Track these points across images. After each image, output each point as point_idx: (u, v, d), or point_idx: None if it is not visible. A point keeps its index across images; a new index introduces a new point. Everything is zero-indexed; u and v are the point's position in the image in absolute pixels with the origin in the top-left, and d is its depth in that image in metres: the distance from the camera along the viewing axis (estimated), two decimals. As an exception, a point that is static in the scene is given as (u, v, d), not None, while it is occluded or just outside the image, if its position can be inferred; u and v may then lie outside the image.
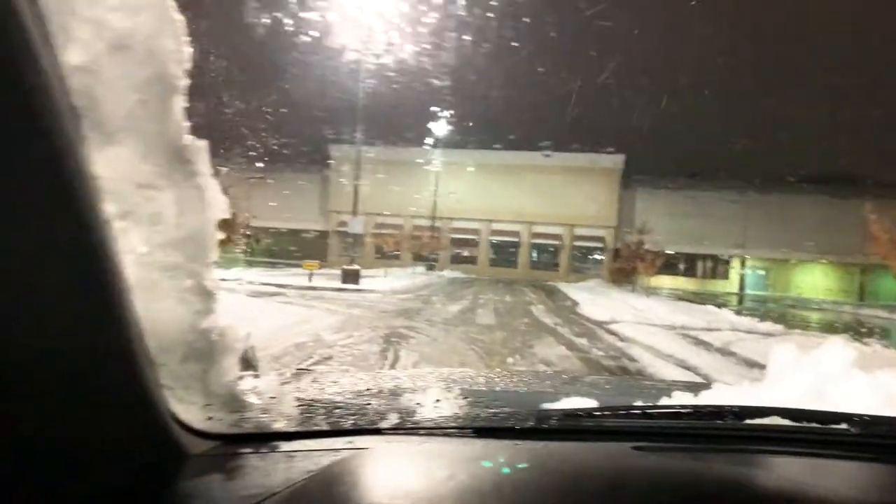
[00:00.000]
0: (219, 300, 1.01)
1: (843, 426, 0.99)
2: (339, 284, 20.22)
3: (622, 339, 11.69)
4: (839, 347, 1.11)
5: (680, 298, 26.01)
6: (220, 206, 1.07)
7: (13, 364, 0.70)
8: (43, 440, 0.74)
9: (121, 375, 0.81)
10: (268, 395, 1.08)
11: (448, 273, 36.44)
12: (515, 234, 44.26)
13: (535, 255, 44.92)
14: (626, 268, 29.85)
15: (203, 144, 1.08)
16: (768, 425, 1.00)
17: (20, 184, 0.67)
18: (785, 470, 0.91)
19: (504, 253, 45.40)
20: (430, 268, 36.19)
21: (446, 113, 37.90)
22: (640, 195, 43.21)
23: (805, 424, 1.00)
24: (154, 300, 0.96)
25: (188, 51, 1.04)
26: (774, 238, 38.37)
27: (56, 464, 0.75)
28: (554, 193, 42.77)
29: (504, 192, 43.60)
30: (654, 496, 0.72)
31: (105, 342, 0.80)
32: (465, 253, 45.93)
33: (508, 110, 44.18)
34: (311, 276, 20.71)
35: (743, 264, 42.62)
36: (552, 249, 44.86)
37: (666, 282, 38.48)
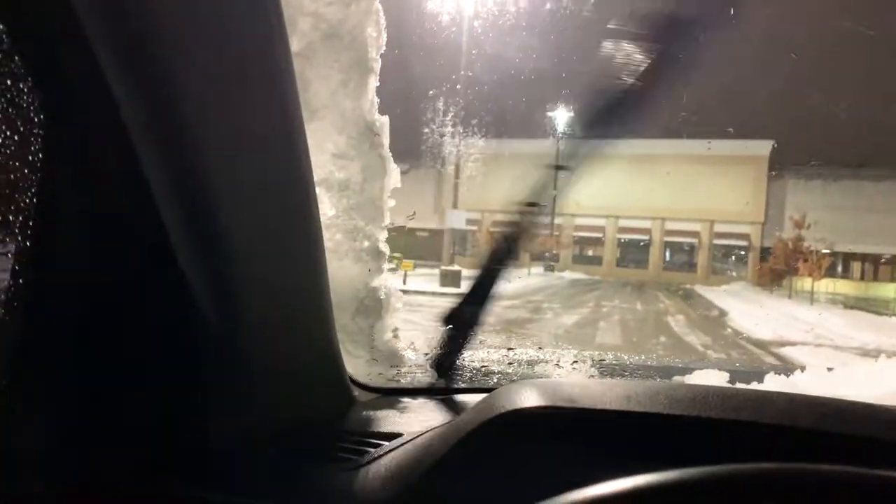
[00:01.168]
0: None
1: None
2: (437, 287, 18.96)
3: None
4: None
5: (847, 306, 22.94)
6: (396, 175, 1.24)
7: (225, 316, 0.82)
8: (236, 380, 0.86)
9: (312, 328, 0.97)
10: (422, 353, 1.23)
11: (569, 274, 34.83)
12: (646, 231, 41.78)
13: (668, 254, 42.17)
14: (780, 269, 26.96)
15: (386, 119, 1.24)
16: None
17: (255, 153, 0.83)
18: None
19: (633, 252, 43.04)
20: (550, 268, 34.56)
21: (570, 102, 36.06)
22: (791, 187, 39.48)
23: None
24: (335, 259, 1.08)
25: (385, 37, 1.20)
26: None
27: (240, 405, 0.87)
28: (690, 186, 39.97)
29: (633, 185, 41.16)
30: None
31: (302, 298, 0.95)
32: (590, 252, 43.88)
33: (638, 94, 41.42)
34: (405, 277, 19.20)
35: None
36: (688, 248, 42.05)
37: (822, 286, 34.68)
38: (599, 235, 43.03)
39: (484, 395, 0.99)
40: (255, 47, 0.84)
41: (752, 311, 17.95)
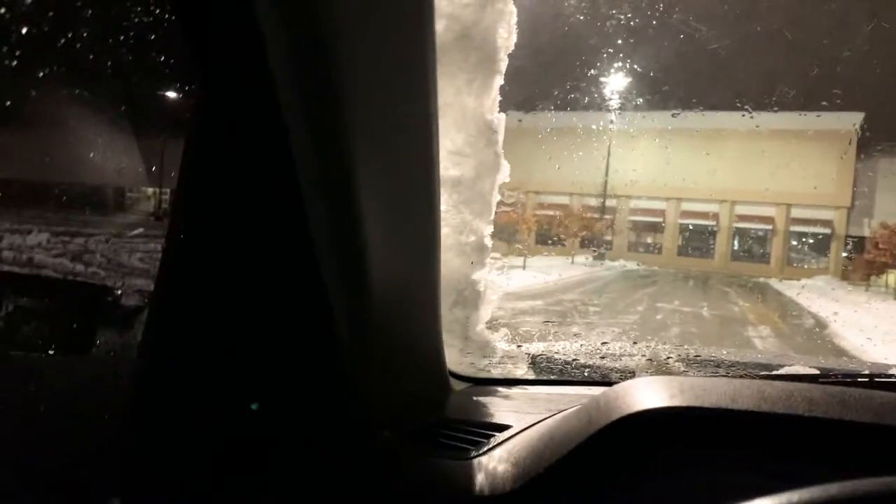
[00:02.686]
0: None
1: None
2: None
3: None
4: None
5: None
6: (505, 172, 1.33)
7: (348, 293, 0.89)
8: (360, 367, 0.93)
9: (423, 319, 1.05)
10: (514, 345, 1.32)
11: (621, 264, 31.30)
12: (712, 216, 38.08)
13: (737, 242, 38.25)
14: (881, 262, 23.06)
15: (503, 117, 1.31)
16: None
17: (393, 152, 0.91)
18: None
19: (697, 239, 39.37)
20: (600, 257, 31.18)
21: (628, 68, 32.51)
22: (883, 167, 34.99)
23: None
24: (441, 252, 1.09)
25: (515, 37, 1.26)
26: None
27: (362, 391, 0.94)
28: (764, 165, 35.96)
29: (698, 164, 37.23)
30: None
31: (418, 290, 1.02)
32: (648, 239, 40.38)
33: (706, 63, 37.60)
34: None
35: None
36: (761, 235, 38.21)
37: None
38: (659, 220, 39.40)
39: (579, 388, 1.17)
40: (406, 48, 0.90)
41: (855, 319, 14.32)
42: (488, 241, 1.28)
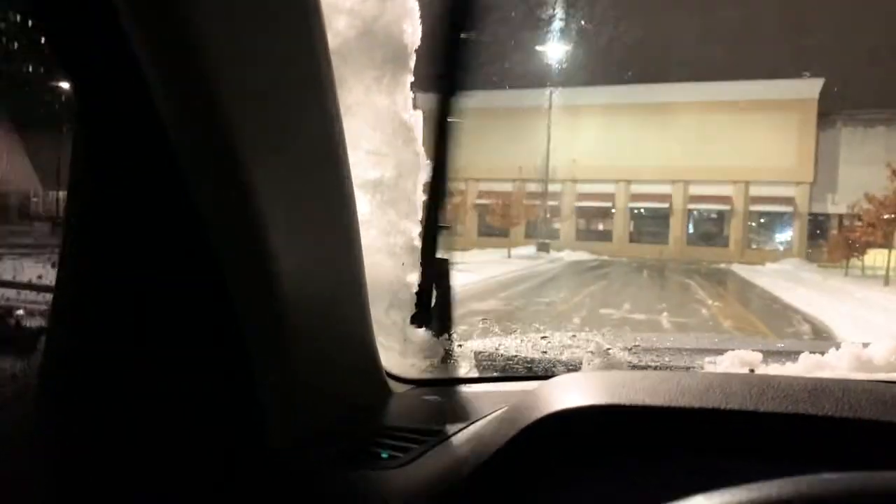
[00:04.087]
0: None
1: None
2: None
3: None
4: None
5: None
6: (427, 171, 1.32)
7: (269, 312, 0.88)
8: (281, 378, 0.92)
9: (350, 323, 1.05)
10: (454, 345, 1.30)
11: (568, 254, 28.24)
12: (665, 197, 35.31)
13: (692, 225, 35.57)
14: (862, 241, 20.27)
15: (419, 114, 1.31)
16: None
17: (295, 151, 0.90)
18: None
19: (649, 224, 36.69)
20: (544, 247, 28.01)
21: (567, 37, 29.42)
22: (845, 137, 32.55)
23: None
24: (369, 255, 1.10)
25: (419, 30, 1.27)
26: None
27: (285, 403, 0.92)
28: (720, 139, 33.25)
29: (648, 141, 34.30)
30: None
31: (341, 293, 1.02)
32: (597, 226, 37.40)
33: (652, 29, 34.88)
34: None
35: None
36: (717, 217, 35.62)
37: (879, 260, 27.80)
38: (608, 205, 36.56)
39: (522, 384, 1.15)
40: (294, 46, 0.88)
41: (850, 313, 11.23)
42: (417, 242, 1.28)
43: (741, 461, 0.73)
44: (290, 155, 0.89)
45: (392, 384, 1.17)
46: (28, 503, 0.89)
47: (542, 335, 1.54)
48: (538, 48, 29.61)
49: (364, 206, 1.18)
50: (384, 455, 0.94)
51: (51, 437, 0.91)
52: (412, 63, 1.26)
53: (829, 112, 32.85)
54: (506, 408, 0.94)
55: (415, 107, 1.30)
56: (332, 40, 1.00)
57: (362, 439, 0.98)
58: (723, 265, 27.58)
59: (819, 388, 0.83)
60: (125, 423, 0.88)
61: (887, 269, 18.50)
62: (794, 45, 33.75)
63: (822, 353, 1.34)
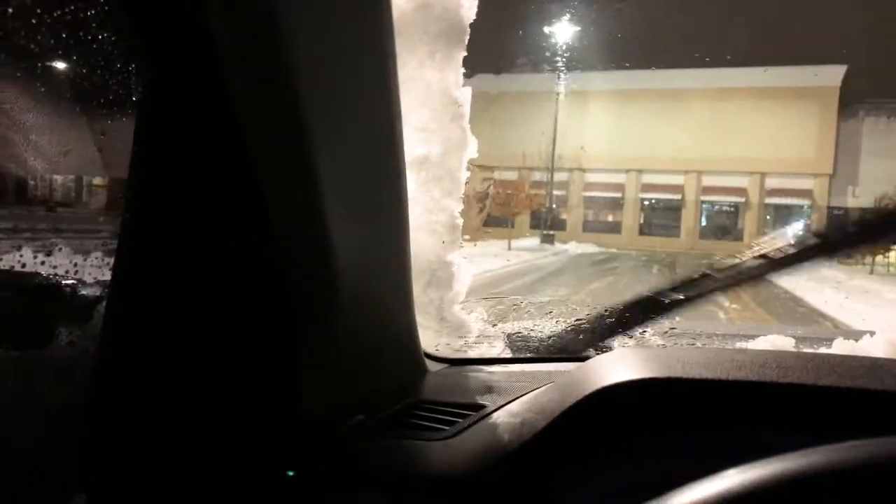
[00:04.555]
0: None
1: None
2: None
3: None
4: None
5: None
6: (473, 148, 1.30)
7: (311, 288, 0.89)
8: (327, 349, 0.93)
9: (394, 300, 1.04)
10: (488, 325, 1.32)
11: (574, 247, 26.86)
12: (677, 188, 33.87)
13: (705, 218, 34.18)
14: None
15: (468, 91, 1.28)
16: None
17: (354, 130, 0.90)
18: None
19: (660, 216, 35.30)
20: (548, 239, 26.62)
21: (578, 21, 28.00)
22: (868, 128, 30.98)
23: None
24: (412, 232, 1.09)
25: (476, 6, 1.24)
26: None
27: (329, 374, 0.94)
28: (735, 129, 31.71)
29: (660, 129, 32.82)
30: None
31: (387, 270, 1.01)
32: (605, 217, 35.95)
33: (667, 13, 33.31)
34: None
35: None
36: (731, 210, 34.20)
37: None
38: (618, 195, 35.12)
39: (558, 365, 1.12)
40: (358, 23, 0.89)
41: (885, 319, 10.10)
42: (459, 220, 1.26)
43: (799, 435, 0.68)
44: (350, 130, 0.88)
45: (428, 363, 1.15)
46: (86, 475, 0.90)
47: (577, 318, 1.47)
48: (545, 29, 28.23)
49: (410, 182, 1.12)
50: (427, 427, 0.92)
51: (112, 394, 0.91)
52: (466, 38, 1.23)
53: (851, 101, 31.28)
54: (549, 385, 0.93)
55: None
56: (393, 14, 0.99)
57: (401, 412, 0.98)
58: (736, 260, 26.08)
59: (875, 365, 0.84)
60: (178, 387, 0.88)
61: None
62: (816, 31, 32.24)
63: (857, 340, 1.37)
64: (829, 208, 32.17)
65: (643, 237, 34.99)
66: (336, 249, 0.87)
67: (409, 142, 1.12)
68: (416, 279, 1.12)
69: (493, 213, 27.14)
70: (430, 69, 1.17)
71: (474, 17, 1.23)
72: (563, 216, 35.72)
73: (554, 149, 29.52)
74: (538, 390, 0.95)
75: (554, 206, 30.59)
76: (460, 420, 0.94)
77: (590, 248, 28.38)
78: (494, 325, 1.37)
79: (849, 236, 1.68)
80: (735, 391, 0.77)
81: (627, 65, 32.74)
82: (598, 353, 1.17)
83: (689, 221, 34.73)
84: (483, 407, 0.97)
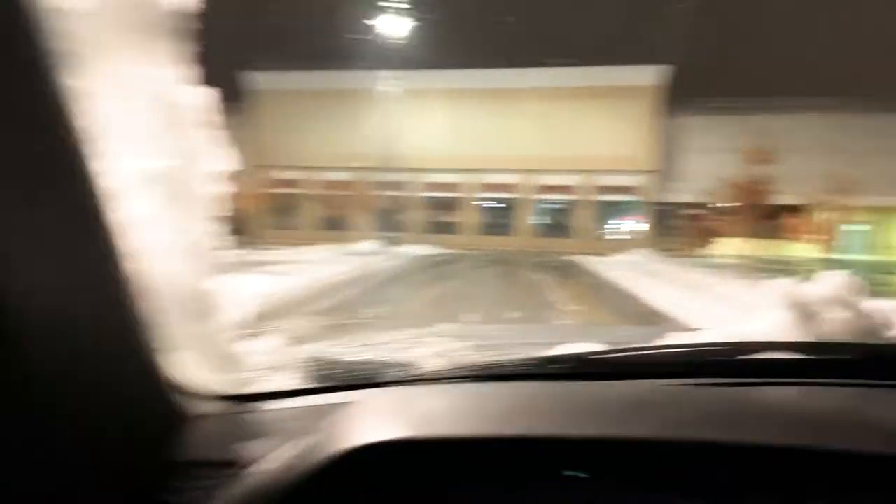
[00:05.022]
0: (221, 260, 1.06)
1: (849, 355, 1.14)
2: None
3: None
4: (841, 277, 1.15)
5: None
6: (226, 159, 1.15)
7: (13, 330, 0.74)
8: (39, 413, 0.78)
9: (118, 339, 0.88)
10: (269, 355, 1.18)
11: (414, 249, 25.60)
12: (513, 187, 33.92)
13: (539, 216, 34.14)
14: (722, 229, 19.35)
15: (210, 93, 1.15)
16: (781, 359, 1.08)
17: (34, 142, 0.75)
18: (807, 400, 0.99)
19: (498, 215, 35.18)
20: (387, 241, 25.36)
21: (409, 19, 27.04)
22: (690, 126, 32.46)
23: (814, 357, 1.13)
24: (156, 260, 1.00)
25: None
26: (890, 177, 28.06)
27: (55, 435, 0.79)
28: (565, 127, 32.10)
29: (494, 129, 32.61)
30: (709, 428, 0.78)
31: (101, 306, 0.86)
32: (445, 217, 35.21)
33: (495, 13, 33.23)
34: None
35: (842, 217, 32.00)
36: (564, 207, 34.30)
37: (727, 247, 27.51)
38: (456, 195, 34.39)
39: (350, 394, 1.03)
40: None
41: (722, 313, 9.80)
42: (212, 241, 1.11)
43: (544, 487, 0.70)
44: (11, 143, 0.73)
45: (195, 403, 1.02)
46: None
47: (373, 340, 1.41)
48: (377, 24, 27.02)
49: (144, 201, 1.03)
50: (177, 487, 0.85)
51: None
52: (194, 29, 1.11)
53: (675, 99, 32.69)
54: (311, 436, 0.87)
55: (209, 85, 1.15)
56: (86, 3, 0.90)
57: (144, 480, 0.87)
58: (572, 257, 26.24)
59: (636, 401, 0.82)
60: None
61: (750, 263, 17.54)
62: (642, 31, 33.35)
63: (688, 335, 1.44)
64: (657, 203, 33.42)
65: (482, 236, 34.78)
66: (22, 289, 0.71)
67: (136, 155, 1.01)
68: (169, 312, 0.98)
69: (331, 216, 25.49)
70: (147, 69, 1.03)
71: (192, 8, 1.10)
72: (404, 217, 34.75)
73: (392, 149, 28.34)
74: (300, 441, 0.86)
75: (393, 207, 29.42)
76: (213, 481, 0.84)
77: (430, 250, 27.52)
78: (285, 352, 1.20)
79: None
80: (474, 447, 0.74)
81: (463, 64, 32.34)
82: (396, 379, 1.06)
83: (524, 220, 34.94)
84: (235, 463, 0.86)
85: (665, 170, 32.98)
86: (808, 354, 1.12)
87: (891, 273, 23.87)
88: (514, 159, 33.42)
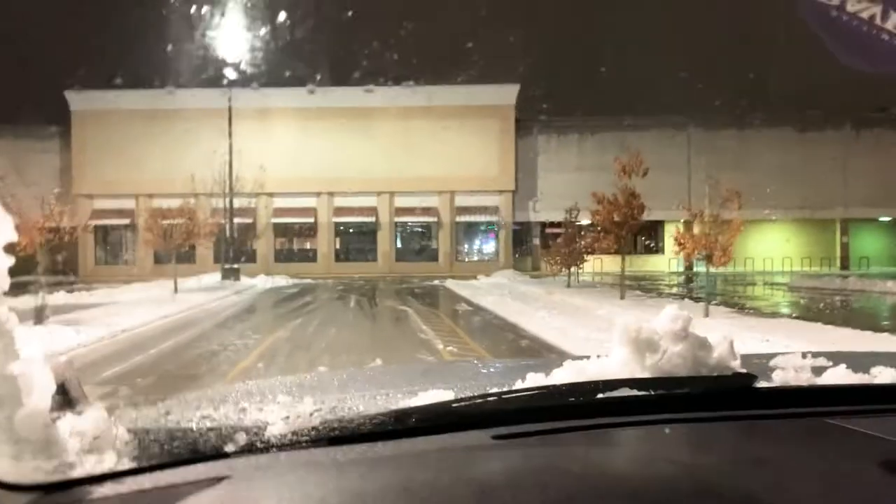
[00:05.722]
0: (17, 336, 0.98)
1: (687, 389, 1.17)
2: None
3: None
4: (675, 311, 1.22)
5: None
6: (5, 229, 0.99)
7: None
8: None
9: None
10: (91, 434, 1.05)
11: (263, 281, 23.50)
12: (370, 211, 32.20)
13: (400, 240, 32.85)
14: (589, 247, 18.60)
15: None
16: (621, 397, 1.12)
17: None
18: (644, 440, 1.05)
19: (356, 240, 33.45)
20: (231, 274, 22.86)
21: (252, 40, 24.93)
22: (542, 144, 32.31)
23: (652, 393, 1.14)
24: None
25: None
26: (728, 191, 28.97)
27: None
28: (422, 147, 31.17)
29: (349, 150, 30.97)
30: (512, 488, 0.77)
31: None
32: (299, 245, 33.04)
33: (346, 29, 31.71)
34: None
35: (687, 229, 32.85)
36: (425, 230, 33.33)
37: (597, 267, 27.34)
38: (310, 220, 32.35)
39: (189, 467, 0.96)
40: None
41: (599, 336, 8.58)
42: (5, 320, 0.98)
43: None
44: None
45: (6, 497, 0.95)
46: None
47: (203, 400, 1.28)
48: (213, 41, 24.57)
49: None
50: None
51: None
52: None
53: (525, 119, 32.39)
54: None
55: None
56: None
57: None
58: (436, 281, 24.92)
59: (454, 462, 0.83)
60: None
61: (622, 281, 16.74)
62: (492, 50, 32.95)
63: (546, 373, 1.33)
64: (515, 223, 32.92)
65: (340, 263, 32.78)
66: None
67: None
68: None
69: (154, 248, 22.46)
70: None
71: None
72: (252, 246, 32.07)
73: (231, 171, 25.72)
74: None
75: (236, 235, 26.72)
76: None
77: (282, 282, 25.18)
78: (112, 428, 1.04)
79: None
80: None
81: (309, 81, 30.43)
82: (245, 447, 1.00)
83: (384, 244, 33.25)
84: None
85: (520, 189, 32.55)
86: (644, 390, 1.13)
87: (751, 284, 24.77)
88: (373, 181, 31.74)
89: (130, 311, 13.23)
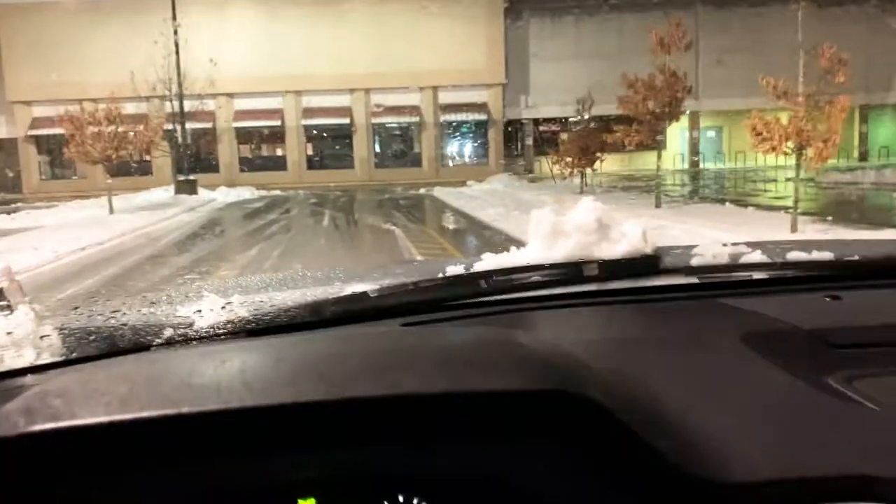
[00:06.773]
0: None
1: (595, 271, 1.18)
2: None
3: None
4: (590, 203, 1.25)
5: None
6: None
7: None
8: None
9: None
10: (16, 333, 1.08)
11: (224, 194, 20.43)
12: (345, 111, 28.79)
13: (378, 143, 29.53)
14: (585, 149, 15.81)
15: None
16: (529, 280, 1.17)
17: None
18: (551, 320, 1.09)
19: (329, 144, 30.26)
20: (186, 187, 19.77)
21: None
22: (534, 30, 28.66)
23: (558, 273, 1.17)
24: None
25: None
26: (731, 80, 26.10)
27: None
28: (400, 38, 27.28)
29: (317, 42, 27.17)
30: (417, 371, 0.78)
31: None
32: (267, 151, 29.76)
33: None
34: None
35: (695, 124, 29.95)
36: (406, 131, 29.84)
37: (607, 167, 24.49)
38: (276, 123, 28.85)
39: (113, 359, 0.97)
40: None
41: None
42: None
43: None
44: None
45: None
46: None
47: (125, 302, 1.28)
48: None
49: None
50: None
51: None
52: None
53: (516, 3, 28.58)
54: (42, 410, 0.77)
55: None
56: None
57: None
58: (422, 190, 21.98)
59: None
60: None
61: (657, 184, 13.88)
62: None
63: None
64: (507, 121, 29.72)
65: (314, 171, 29.54)
66: None
67: None
68: None
69: (109, 159, 19.20)
70: None
71: None
72: (214, 155, 28.69)
73: (179, 67, 22.03)
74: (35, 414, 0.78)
75: (189, 141, 23.24)
76: None
77: (245, 194, 22.06)
78: (9, 333, 1.06)
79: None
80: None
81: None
82: (169, 339, 1.02)
83: (361, 149, 29.87)
84: None
85: (511, 82, 29.09)
86: (552, 273, 1.17)
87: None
88: (345, 77, 28.09)
89: (40, 241, 10.28)
